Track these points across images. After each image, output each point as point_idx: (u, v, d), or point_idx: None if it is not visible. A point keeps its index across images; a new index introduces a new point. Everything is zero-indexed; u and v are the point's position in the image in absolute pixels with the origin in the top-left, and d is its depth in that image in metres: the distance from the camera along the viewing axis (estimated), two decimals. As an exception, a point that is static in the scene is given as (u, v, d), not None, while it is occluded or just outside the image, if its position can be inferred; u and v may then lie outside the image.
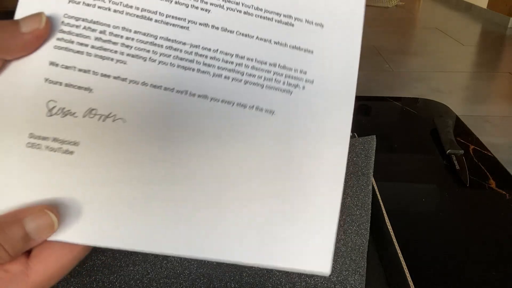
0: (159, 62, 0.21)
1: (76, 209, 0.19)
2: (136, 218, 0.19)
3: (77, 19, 0.20)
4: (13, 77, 0.20)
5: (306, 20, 0.22)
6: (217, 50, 0.21)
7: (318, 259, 0.19)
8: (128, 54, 0.20)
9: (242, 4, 0.22)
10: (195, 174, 0.20)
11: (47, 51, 0.20)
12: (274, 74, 0.21)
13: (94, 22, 0.20)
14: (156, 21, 0.21)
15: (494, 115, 1.89)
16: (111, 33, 0.20)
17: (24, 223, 0.17)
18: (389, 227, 0.35)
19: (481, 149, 0.56)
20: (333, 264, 0.34)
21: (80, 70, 0.20)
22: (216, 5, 0.22)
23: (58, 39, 0.20)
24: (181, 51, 0.21)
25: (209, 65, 0.21)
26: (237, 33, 0.22)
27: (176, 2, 0.21)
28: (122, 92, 0.20)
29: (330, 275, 0.33)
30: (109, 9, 0.21)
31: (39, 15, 0.19)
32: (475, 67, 2.55)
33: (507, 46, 3.00)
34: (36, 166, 0.19)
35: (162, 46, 0.21)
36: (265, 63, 0.21)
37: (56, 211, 0.18)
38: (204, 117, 0.20)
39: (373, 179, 0.42)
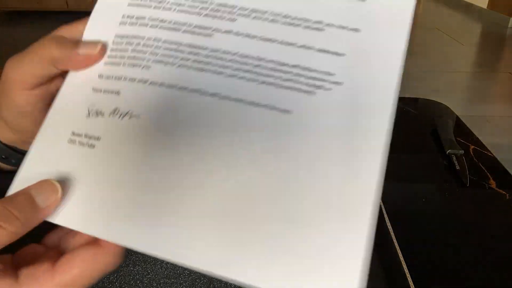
0: (179, 65, 0.22)
1: (85, 199, 0.20)
2: (145, 218, 0.20)
3: (122, 37, 0.24)
4: (68, 85, 0.23)
5: (339, 25, 0.22)
6: (236, 53, 0.22)
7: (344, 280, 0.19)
8: (153, 61, 0.23)
9: (270, 13, 0.23)
10: (203, 169, 0.20)
11: (98, 66, 0.23)
12: (294, 75, 0.21)
13: (134, 37, 0.23)
14: (184, 31, 0.23)
15: (494, 115, 1.89)
16: (144, 44, 0.23)
17: (30, 191, 0.19)
18: (389, 227, 0.35)
19: (481, 149, 0.56)
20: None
21: (115, 77, 0.23)
22: (243, 15, 0.23)
23: (108, 56, 0.23)
24: (200, 54, 0.22)
25: (225, 67, 0.22)
26: (260, 38, 0.22)
27: (205, 15, 0.23)
28: (141, 93, 0.22)
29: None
30: (147, 25, 0.23)
31: (97, 44, 0.23)
32: (475, 67, 2.55)
33: (507, 46, 2.99)
34: (69, 158, 0.22)
35: (184, 51, 0.23)
36: (286, 65, 0.21)
37: (59, 183, 0.20)
38: (213, 114, 0.21)
39: (373, 179, 0.42)
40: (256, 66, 0.22)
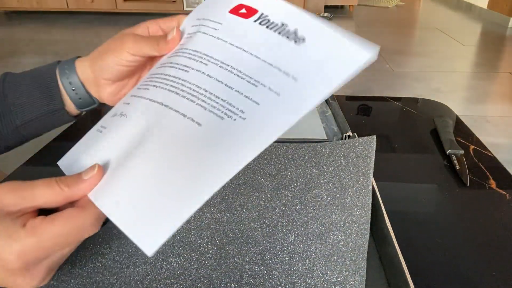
0: (161, 87, 0.34)
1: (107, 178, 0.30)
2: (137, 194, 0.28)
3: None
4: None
5: (269, 87, 0.33)
6: (194, 83, 0.33)
7: None
8: (151, 86, 0.35)
9: (231, 66, 0.34)
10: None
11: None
12: (219, 104, 0.32)
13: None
14: (176, 67, 0.35)
15: (494, 115, 1.89)
16: (148, 77, 0.36)
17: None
18: (389, 227, 0.35)
19: (481, 149, 0.56)
20: (333, 264, 0.34)
21: (131, 95, 0.36)
22: (215, 62, 0.35)
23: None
24: (173, 81, 0.34)
25: (182, 90, 0.33)
26: (214, 78, 0.33)
27: (192, 58, 0.35)
28: (136, 103, 0.34)
29: (330, 275, 0.33)
30: (161, 66, 0.36)
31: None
32: (475, 67, 2.55)
33: (507, 46, 2.99)
34: (94, 141, 0.34)
35: (169, 78, 0.34)
36: (218, 98, 0.32)
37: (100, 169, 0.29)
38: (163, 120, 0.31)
39: (373, 179, 0.41)
40: (199, 93, 0.32)
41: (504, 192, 0.46)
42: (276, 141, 0.52)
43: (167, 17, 0.40)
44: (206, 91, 0.32)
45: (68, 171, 0.34)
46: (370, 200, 0.39)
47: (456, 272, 0.36)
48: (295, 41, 0.37)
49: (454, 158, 0.53)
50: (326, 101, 0.66)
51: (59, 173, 0.51)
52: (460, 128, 0.62)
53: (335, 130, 0.56)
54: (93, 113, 0.69)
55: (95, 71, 0.39)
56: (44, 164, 0.53)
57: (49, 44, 2.90)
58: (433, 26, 3.57)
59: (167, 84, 0.34)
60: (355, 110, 0.71)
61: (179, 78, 0.34)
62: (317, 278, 0.33)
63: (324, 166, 0.45)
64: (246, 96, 0.32)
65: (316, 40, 0.37)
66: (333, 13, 4.01)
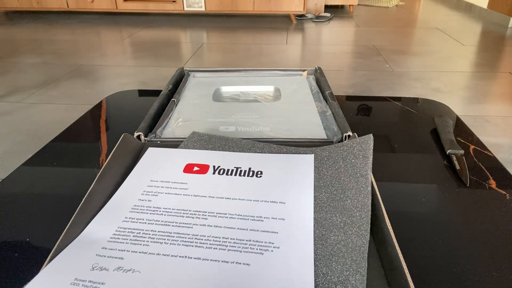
0: (170, 243, 0.35)
1: None
2: None
3: (125, 228, 0.37)
4: (73, 248, 0.35)
5: (272, 217, 0.38)
6: (209, 236, 0.36)
7: None
8: (151, 241, 0.35)
9: (228, 213, 0.38)
10: None
11: (102, 241, 0.36)
12: (249, 245, 0.35)
13: (134, 229, 0.37)
14: (173, 225, 0.37)
15: (494, 115, 1.89)
16: (143, 233, 0.36)
17: None
18: (389, 227, 0.35)
19: (481, 149, 0.56)
20: (334, 264, 0.34)
21: (119, 249, 0.35)
22: (211, 215, 0.38)
23: (111, 237, 0.36)
24: (185, 238, 0.36)
25: (202, 242, 0.35)
26: (224, 227, 0.37)
27: (187, 216, 0.38)
28: (141, 258, 0.33)
29: (331, 275, 0.33)
30: (145, 223, 0.37)
31: None
32: (475, 67, 2.55)
33: (507, 46, 2.99)
34: None
35: (174, 236, 0.36)
36: (243, 240, 0.35)
37: None
38: (199, 270, 0.32)
39: (373, 179, 0.41)
40: (223, 242, 0.35)
41: (504, 192, 0.46)
42: (276, 142, 0.52)
43: None
44: (225, 238, 0.35)
45: None
46: (370, 201, 0.39)
47: (456, 272, 0.36)
48: (256, 176, 0.44)
49: (454, 158, 0.53)
50: (326, 101, 0.66)
51: (59, 173, 0.51)
52: (460, 128, 0.62)
53: (335, 130, 0.56)
54: (93, 113, 0.69)
55: None
56: (44, 164, 0.53)
57: (49, 44, 2.90)
58: (433, 26, 3.57)
59: (174, 239, 0.35)
60: (355, 110, 0.71)
61: (185, 234, 0.36)
62: (318, 278, 0.33)
63: (323, 170, 0.45)
64: (263, 230, 0.36)
65: (269, 169, 0.45)
66: (333, 13, 4.01)
